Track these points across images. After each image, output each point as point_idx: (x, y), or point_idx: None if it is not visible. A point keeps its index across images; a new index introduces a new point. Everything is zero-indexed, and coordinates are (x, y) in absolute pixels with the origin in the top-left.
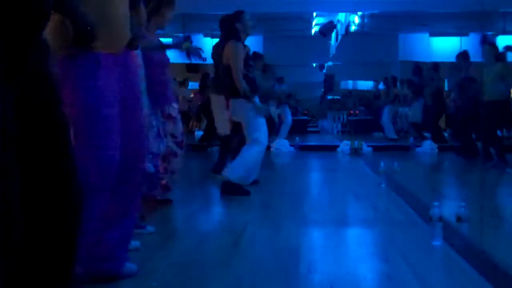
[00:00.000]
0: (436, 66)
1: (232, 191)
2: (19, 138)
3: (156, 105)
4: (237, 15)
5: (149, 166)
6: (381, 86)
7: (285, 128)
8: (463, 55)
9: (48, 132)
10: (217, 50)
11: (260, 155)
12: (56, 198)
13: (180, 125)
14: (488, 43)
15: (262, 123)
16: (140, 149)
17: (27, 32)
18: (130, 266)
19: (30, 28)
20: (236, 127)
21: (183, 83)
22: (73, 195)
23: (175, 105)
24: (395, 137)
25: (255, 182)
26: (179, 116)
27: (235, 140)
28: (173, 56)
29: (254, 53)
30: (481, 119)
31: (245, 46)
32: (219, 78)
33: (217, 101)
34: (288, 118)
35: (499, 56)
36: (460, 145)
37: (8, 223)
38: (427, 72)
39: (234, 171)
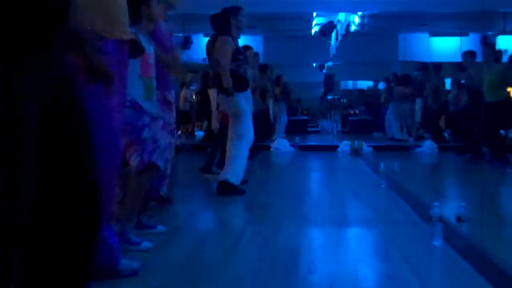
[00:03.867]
0: (437, 66)
1: (228, 191)
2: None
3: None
4: (234, 10)
5: (160, 162)
6: (380, 85)
7: (280, 128)
8: (470, 54)
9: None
10: (210, 45)
11: (247, 152)
12: (76, 192)
13: (174, 112)
14: (486, 44)
15: (249, 120)
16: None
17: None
18: (127, 263)
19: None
20: (224, 125)
21: (185, 83)
22: (93, 189)
23: (172, 92)
24: (401, 137)
25: (244, 182)
26: (174, 104)
27: (223, 138)
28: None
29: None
30: (483, 119)
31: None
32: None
33: (215, 96)
34: (284, 117)
35: (498, 57)
36: (462, 145)
37: (18, 213)
38: (427, 72)
39: (230, 171)
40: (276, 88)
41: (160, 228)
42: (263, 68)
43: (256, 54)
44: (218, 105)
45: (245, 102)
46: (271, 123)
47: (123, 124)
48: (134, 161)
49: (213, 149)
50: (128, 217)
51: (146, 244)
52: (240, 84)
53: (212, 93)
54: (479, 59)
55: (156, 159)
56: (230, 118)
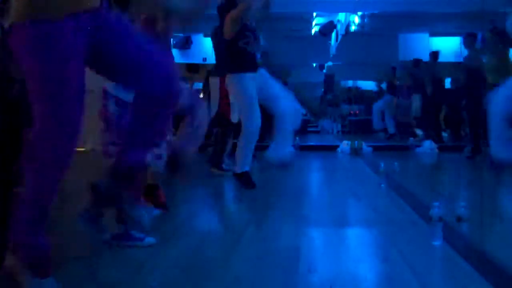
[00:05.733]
0: (434, 55)
1: (242, 181)
2: None
3: None
4: None
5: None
6: (383, 85)
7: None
8: (471, 36)
9: None
10: (217, 30)
11: (249, 141)
12: None
13: None
14: (489, 30)
15: (253, 106)
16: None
17: None
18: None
19: None
20: (220, 120)
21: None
22: None
23: None
24: (395, 131)
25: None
26: None
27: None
28: (174, 55)
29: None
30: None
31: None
32: (218, 60)
33: (216, 84)
34: None
35: (504, 40)
36: (472, 144)
37: None
38: (424, 64)
39: (241, 163)
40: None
41: (149, 240)
42: (262, 55)
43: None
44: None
45: (252, 84)
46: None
47: (110, 123)
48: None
49: (220, 142)
50: (127, 217)
51: (149, 240)
52: (248, 63)
53: (213, 81)
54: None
55: None
56: (236, 103)
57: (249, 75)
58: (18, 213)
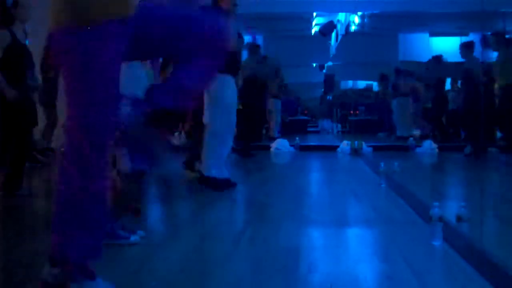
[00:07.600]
0: (438, 58)
1: (213, 185)
2: None
3: None
4: None
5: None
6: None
7: (275, 126)
8: (467, 45)
9: None
10: None
11: (220, 148)
12: None
13: None
14: (492, 34)
15: (224, 109)
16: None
17: None
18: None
19: None
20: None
21: None
22: None
23: None
24: (407, 134)
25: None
26: None
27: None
28: None
29: (251, 44)
30: (497, 107)
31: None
32: None
33: None
34: (277, 116)
35: (507, 41)
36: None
37: None
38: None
39: (205, 166)
40: (275, 81)
41: (135, 238)
42: (262, 59)
43: (258, 46)
44: None
45: (233, 87)
46: (263, 122)
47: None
48: (119, 165)
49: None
50: (115, 217)
51: (135, 238)
52: (232, 67)
53: None
54: (478, 56)
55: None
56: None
57: (231, 78)
58: (57, 219)
